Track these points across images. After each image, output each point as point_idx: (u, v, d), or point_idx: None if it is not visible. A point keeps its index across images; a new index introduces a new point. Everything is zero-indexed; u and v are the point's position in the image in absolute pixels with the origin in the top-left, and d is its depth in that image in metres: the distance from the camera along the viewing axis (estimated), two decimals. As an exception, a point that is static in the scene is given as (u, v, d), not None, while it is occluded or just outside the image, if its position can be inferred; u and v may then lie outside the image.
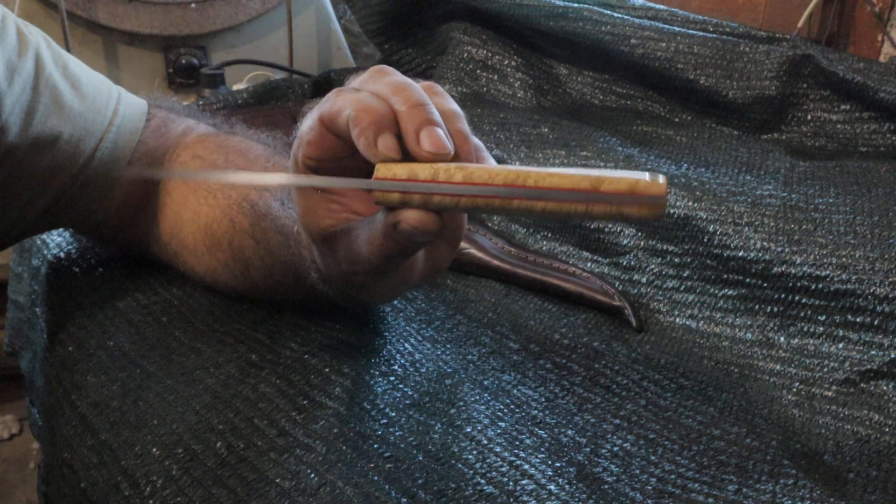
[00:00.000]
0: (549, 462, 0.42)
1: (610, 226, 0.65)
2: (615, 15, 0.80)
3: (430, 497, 0.39)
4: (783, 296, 0.55)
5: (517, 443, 0.43)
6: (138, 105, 0.56)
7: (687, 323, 0.59)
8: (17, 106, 0.48)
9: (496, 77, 0.88)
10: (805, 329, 0.55)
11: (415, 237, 0.37)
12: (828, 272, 0.54)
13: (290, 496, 0.39)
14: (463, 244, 0.64)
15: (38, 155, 0.50)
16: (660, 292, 0.61)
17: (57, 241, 0.65)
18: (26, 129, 0.49)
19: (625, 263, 0.63)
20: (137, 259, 0.61)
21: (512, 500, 0.38)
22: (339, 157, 0.39)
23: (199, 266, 0.56)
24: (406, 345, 0.52)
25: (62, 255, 0.64)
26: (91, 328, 0.54)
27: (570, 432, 0.45)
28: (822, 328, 0.54)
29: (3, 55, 0.48)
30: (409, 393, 0.47)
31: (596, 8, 0.81)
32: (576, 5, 0.81)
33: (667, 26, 0.79)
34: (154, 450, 0.43)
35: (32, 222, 0.53)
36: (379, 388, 0.47)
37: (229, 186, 0.53)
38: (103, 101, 0.53)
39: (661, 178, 0.33)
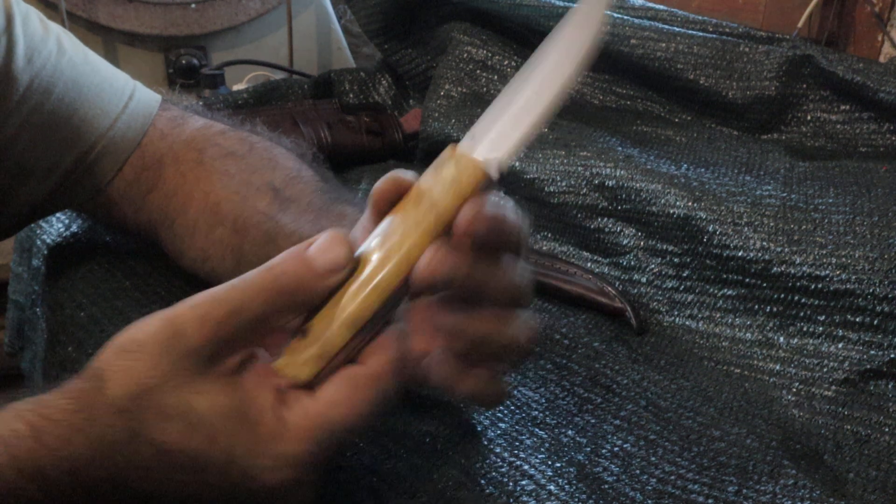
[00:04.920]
0: (549, 462, 0.42)
1: (610, 225, 0.65)
2: (615, 15, 0.80)
3: (431, 497, 0.39)
4: (783, 296, 0.55)
5: (517, 443, 0.43)
6: (154, 96, 0.59)
7: (687, 323, 0.59)
8: (35, 81, 0.52)
9: (496, 77, 0.88)
10: (804, 329, 0.55)
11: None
12: (827, 272, 0.54)
13: (291, 496, 0.39)
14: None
15: (54, 128, 0.53)
16: (660, 292, 0.61)
17: (57, 241, 0.65)
18: (44, 103, 0.53)
19: (625, 263, 0.63)
20: (143, 251, 0.61)
21: (512, 500, 0.38)
22: None
23: (189, 249, 0.55)
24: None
25: (62, 255, 0.64)
26: (91, 328, 0.54)
27: (570, 433, 0.45)
28: (821, 328, 0.54)
29: (24, 39, 0.52)
30: (409, 396, 0.47)
31: (596, 8, 0.81)
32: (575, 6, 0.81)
33: (667, 26, 0.79)
34: (154, 450, 0.43)
35: (48, 195, 0.56)
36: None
37: (250, 171, 0.53)
38: (120, 86, 0.57)
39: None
